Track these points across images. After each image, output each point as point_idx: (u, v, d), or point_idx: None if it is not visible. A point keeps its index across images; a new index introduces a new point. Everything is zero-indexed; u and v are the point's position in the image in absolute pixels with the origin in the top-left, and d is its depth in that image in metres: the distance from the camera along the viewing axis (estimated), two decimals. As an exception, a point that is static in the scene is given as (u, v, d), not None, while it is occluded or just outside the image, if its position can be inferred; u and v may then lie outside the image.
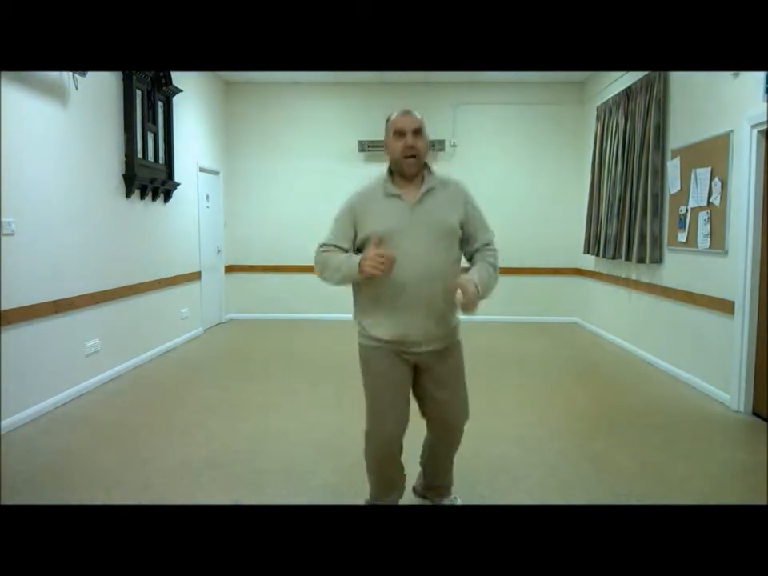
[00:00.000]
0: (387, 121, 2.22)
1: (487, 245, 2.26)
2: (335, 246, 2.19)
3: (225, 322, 7.51)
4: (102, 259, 4.59)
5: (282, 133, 7.61)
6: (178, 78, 5.86)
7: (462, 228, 2.20)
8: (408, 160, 2.13)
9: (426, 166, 2.22)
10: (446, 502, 2.52)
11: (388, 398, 2.21)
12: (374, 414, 2.24)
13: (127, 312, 5.00)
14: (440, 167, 2.35)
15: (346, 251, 2.18)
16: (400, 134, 2.13)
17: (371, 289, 2.15)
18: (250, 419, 3.80)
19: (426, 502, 2.57)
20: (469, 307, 2.02)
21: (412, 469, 2.56)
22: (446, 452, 2.43)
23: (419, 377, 2.27)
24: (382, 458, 2.29)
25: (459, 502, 2.54)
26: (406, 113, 2.17)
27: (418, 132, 2.15)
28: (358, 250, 2.21)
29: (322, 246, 2.21)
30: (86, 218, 4.38)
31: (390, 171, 2.22)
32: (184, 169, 6.20)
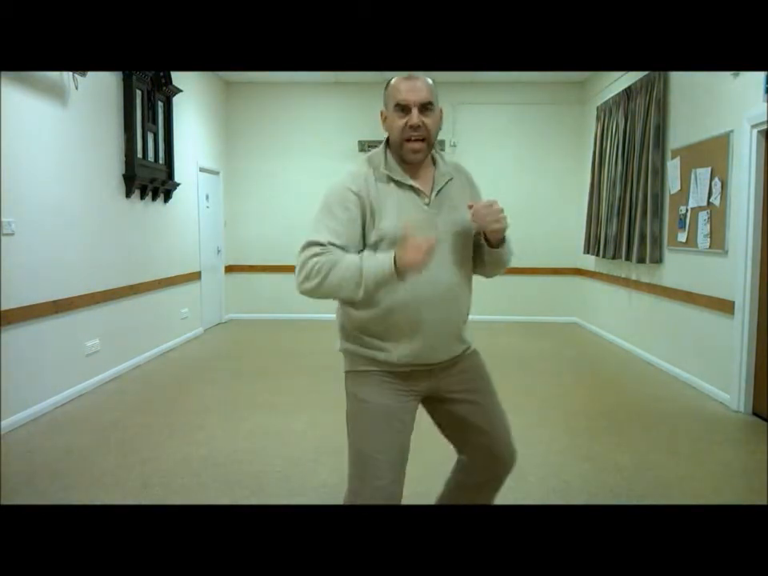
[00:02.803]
0: (386, 88, 1.66)
1: None
2: (338, 245, 1.57)
3: (225, 322, 7.51)
4: (101, 259, 4.59)
5: (281, 133, 7.61)
6: (178, 77, 5.86)
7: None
8: (412, 145, 1.60)
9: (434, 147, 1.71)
10: None
11: (384, 446, 1.63)
12: (369, 466, 1.62)
13: (127, 312, 5.00)
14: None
15: None
16: (403, 108, 1.59)
17: (378, 306, 1.62)
18: (250, 419, 3.80)
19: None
20: (489, 218, 1.57)
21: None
22: (486, 495, 1.86)
23: (441, 404, 1.76)
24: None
25: None
26: (411, 78, 1.61)
27: (428, 106, 1.60)
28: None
29: (312, 245, 1.57)
30: (86, 217, 4.38)
31: (387, 146, 1.69)
32: (184, 169, 6.20)
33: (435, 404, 1.77)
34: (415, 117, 1.58)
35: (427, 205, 1.65)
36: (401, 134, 1.61)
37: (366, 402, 1.67)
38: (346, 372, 1.76)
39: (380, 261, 1.52)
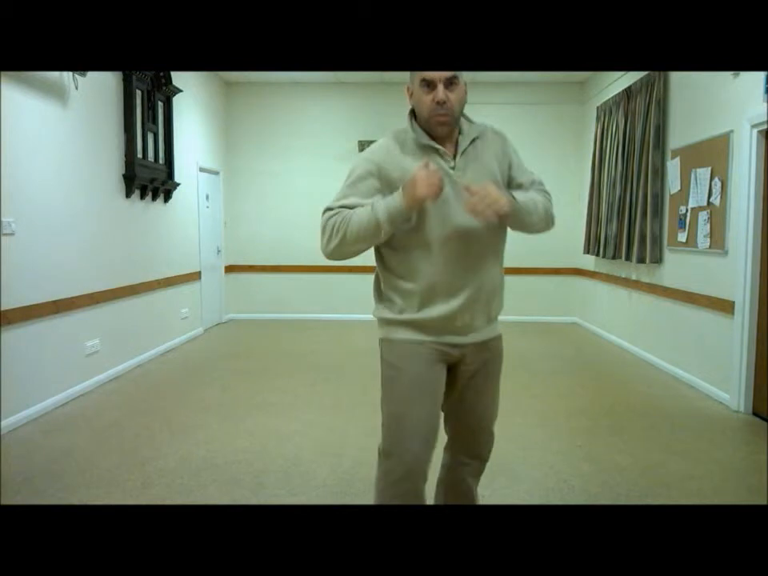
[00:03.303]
0: None
1: (537, 183, 1.86)
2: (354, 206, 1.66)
3: (225, 322, 7.51)
4: (101, 259, 4.60)
5: (282, 133, 7.61)
6: (178, 77, 5.87)
7: (509, 182, 1.80)
8: (439, 118, 1.65)
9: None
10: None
11: (422, 410, 1.71)
12: (399, 432, 1.70)
13: (127, 312, 5.00)
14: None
15: None
16: (428, 84, 1.62)
17: (407, 277, 1.70)
18: (250, 419, 3.80)
19: None
20: (482, 202, 1.55)
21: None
22: (471, 474, 1.96)
23: (455, 383, 1.82)
24: (405, 493, 1.71)
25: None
26: None
27: (453, 80, 1.62)
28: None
29: (327, 210, 1.69)
30: (86, 217, 4.38)
31: (413, 114, 1.75)
32: (184, 169, 6.20)
33: (450, 381, 1.81)
34: (441, 92, 1.61)
35: (452, 168, 1.69)
36: (427, 109, 1.65)
37: (401, 369, 1.73)
38: (382, 339, 1.80)
39: (389, 198, 1.61)
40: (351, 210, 1.64)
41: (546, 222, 1.81)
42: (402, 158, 1.68)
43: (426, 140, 1.69)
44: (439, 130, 1.67)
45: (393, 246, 1.72)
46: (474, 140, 1.73)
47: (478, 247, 1.71)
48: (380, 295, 1.80)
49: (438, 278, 1.69)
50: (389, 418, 1.75)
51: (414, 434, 1.69)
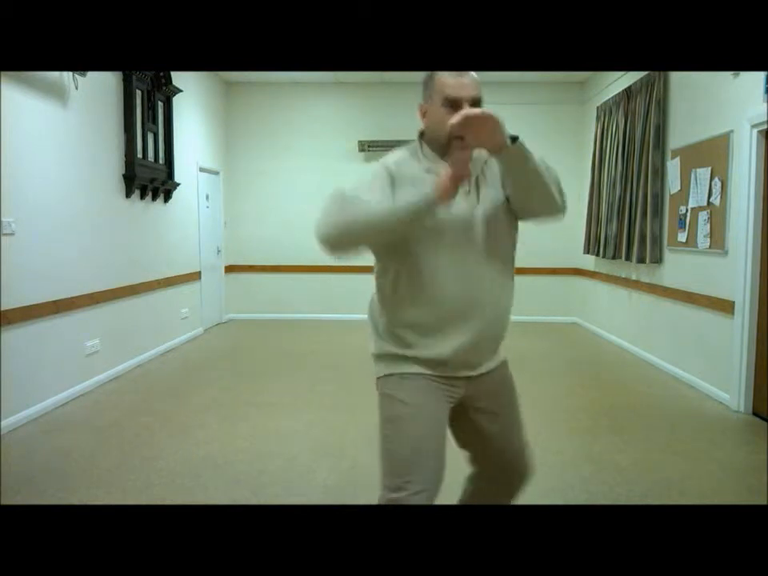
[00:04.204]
0: (429, 80, 1.57)
1: None
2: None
3: (225, 322, 7.51)
4: (102, 259, 4.60)
5: (282, 132, 7.61)
6: (178, 77, 5.87)
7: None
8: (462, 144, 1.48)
9: None
10: None
11: (438, 447, 1.57)
12: (412, 473, 1.53)
13: (127, 312, 5.00)
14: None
15: None
16: (452, 104, 1.49)
17: (417, 299, 1.57)
18: (250, 419, 3.80)
19: None
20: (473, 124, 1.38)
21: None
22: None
23: (464, 413, 1.71)
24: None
25: None
26: (461, 73, 1.52)
27: (478, 104, 1.52)
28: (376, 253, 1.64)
29: (334, 195, 1.53)
30: (86, 217, 4.38)
31: (421, 137, 1.63)
32: (184, 169, 6.20)
33: (460, 412, 1.69)
34: None
35: (467, 193, 1.56)
36: (449, 130, 1.47)
37: (410, 405, 1.58)
38: (384, 376, 1.64)
39: (412, 192, 1.45)
40: (360, 200, 1.48)
41: (556, 191, 1.58)
42: (414, 181, 1.54)
43: (434, 166, 1.56)
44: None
45: (399, 271, 1.58)
46: (485, 162, 1.61)
47: (490, 273, 1.59)
48: (383, 330, 1.65)
49: (449, 306, 1.56)
50: (394, 461, 1.56)
51: (427, 477, 1.54)
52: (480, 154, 1.58)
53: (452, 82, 1.50)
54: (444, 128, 1.47)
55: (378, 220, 1.45)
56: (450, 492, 1.84)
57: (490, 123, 1.39)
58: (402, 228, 1.47)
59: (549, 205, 1.60)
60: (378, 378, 1.67)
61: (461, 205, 1.54)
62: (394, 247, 1.56)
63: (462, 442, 1.77)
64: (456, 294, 1.56)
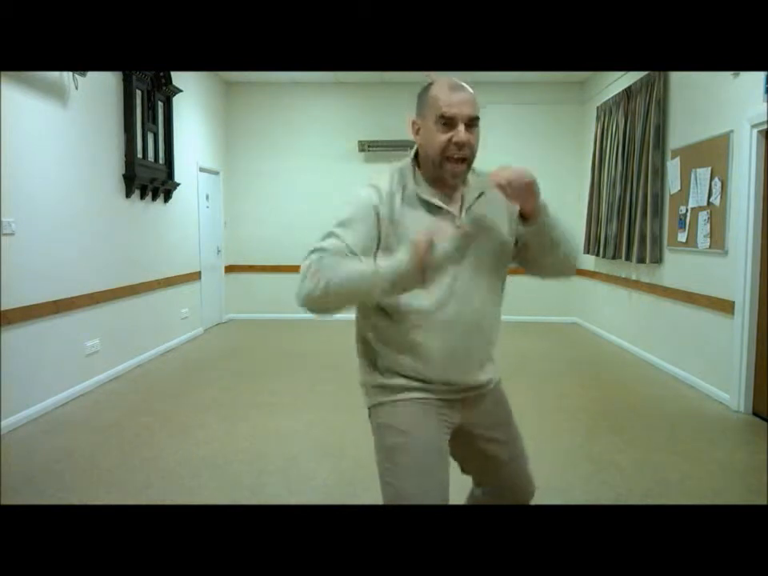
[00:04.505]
0: (423, 94, 1.49)
1: None
2: (350, 252, 1.40)
3: (225, 322, 7.51)
4: (102, 259, 4.60)
5: (282, 133, 7.61)
6: (178, 77, 5.87)
7: (516, 239, 1.56)
8: (453, 166, 1.44)
9: None
10: None
11: (441, 478, 1.49)
12: (409, 499, 1.46)
13: (127, 312, 5.00)
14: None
15: None
16: (447, 122, 1.42)
17: (404, 334, 1.49)
18: (250, 419, 3.80)
19: None
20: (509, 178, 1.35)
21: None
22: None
23: (470, 442, 1.64)
24: None
25: None
26: (459, 88, 1.44)
27: (474, 121, 1.43)
28: None
29: (316, 251, 1.41)
30: (86, 217, 4.39)
31: (416, 159, 1.53)
32: (184, 169, 6.20)
33: (459, 438, 1.62)
34: (462, 134, 1.41)
35: (457, 227, 1.47)
36: (442, 150, 1.43)
37: (409, 434, 1.48)
38: (379, 403, 1.55)
39: (396, 259, 1.35)
40: (342, 259, 1.38)
41: (574, 251, 1.56)
42: (403, 210, 1.46)
43: (428, 196, 1.48)
44: (450, 180, 1.46)
45: (385, 311, 1.50)
46: (480, 195, 1.51)
47: (481, 306, 1.52)
48: (372, 363, 1.57)
49: (440, 343, 1.48)
50: (396, 496, 1.47)
51: (428, 497, 1.45)
52: (475, 182, 1.53)
53: (447, 99, 1.42)
54: (435, 147, 1.43)
55: (352, 291, 1.36)
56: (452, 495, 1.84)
57: (532, 187, 1.38)
58: (385, 291, 1.37)
59: (563, 271, 1.60)
60: (369, 408, 1.60)
61: (450, 240, 1.46)
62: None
63: (464, 466, 1.71)
64: (447, 332, 1.49)
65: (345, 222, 1.44)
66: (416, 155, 1.54)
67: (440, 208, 1.47)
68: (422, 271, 1.31)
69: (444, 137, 1.42)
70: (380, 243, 1.44)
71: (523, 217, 1.47)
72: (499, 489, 1.72)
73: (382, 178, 1.51)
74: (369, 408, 1.60)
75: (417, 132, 1.51)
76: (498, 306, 1.60)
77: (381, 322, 1.52)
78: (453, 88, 1.43)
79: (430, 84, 1.48)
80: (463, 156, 1.43)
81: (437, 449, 1.50)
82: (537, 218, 1.45)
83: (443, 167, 1.44)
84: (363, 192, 1.48)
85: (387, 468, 1.50)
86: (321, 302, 1.39)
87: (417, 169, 1.52)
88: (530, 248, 1.54)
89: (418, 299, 1.45)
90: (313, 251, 1.42)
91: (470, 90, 1.46)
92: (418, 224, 1.43)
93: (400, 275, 1.32)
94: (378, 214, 1.44)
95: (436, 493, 1.46)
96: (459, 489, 1.89)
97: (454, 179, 1.47)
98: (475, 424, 1.60)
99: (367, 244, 1.42)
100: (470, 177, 1.54)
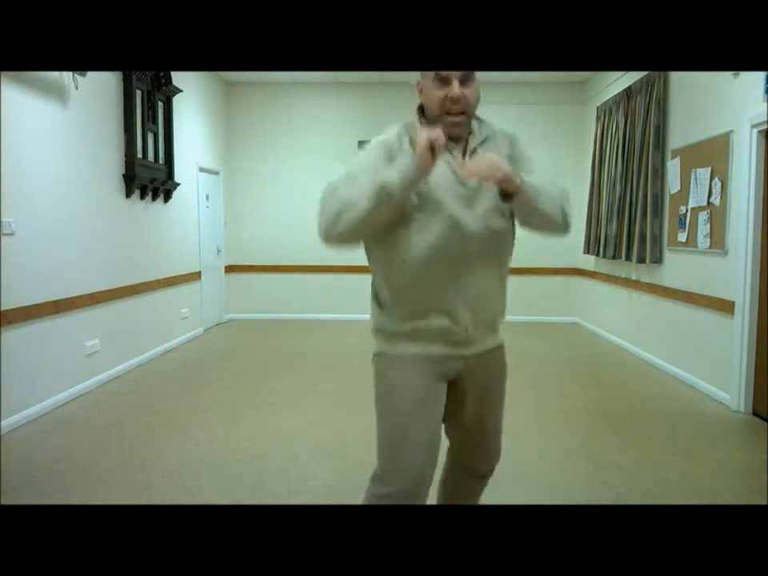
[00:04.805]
0: None
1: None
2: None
3: (225, 322, 7.51)
4: (102, 259, 4.60)
5: (281, 132, 7.61)
6: (178, 77, 5.87)
7: None
8: (452, 118, 1.54)
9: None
10: None
11: (425, 428, 1.61)
12: (397, 449, 1.59)
13: (127, 312, 5.00)
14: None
15: None
16: (443, 80, 1.52)
17: (411, 273, 1.58)
18: (250, 419, 3.80)
19: None
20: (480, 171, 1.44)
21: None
22: (469, 491, 1.93)
23: (453, 386, 1.73)
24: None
25: None
26: None
27: (468, 76, 1.53)
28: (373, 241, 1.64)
29: (331, 184, 1.58)
30: (86, 217, 4.38)
31: (421, 111, 1.64)
32: (184, 169, 6.20)
33: (452, 389, 1.72)
34: (456, 89, 1.51)
35: (460, 168, 1.56)
36: (440, 106, 1.54)
37: (403, 383, 1.61)
38: (381, 353, 1.68)
39: (402, 160, 1.46)
40: (351, 184, 1.51)
41: (559, 216, 1.63)
42: (410, 152, 1.52)
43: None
44: (452, 130, 1.55)
45: (389, 251, 1.61)
46: (483, 141, 1.62)
47: (480, 251, 1.59)
48: (379, 305, 1.69)
49: (438, 285, 1.58)
50: (387, 437, 1.62)
51: (416, 453, 1.58)
52: (480, 131, 1.63)
53: None
54: (434, 103, 1.55)
55: (367, 207, 1.46)
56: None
57: (502, 176, 1.46)
58: (394, 202, 1.47)
59: (550, 228, 1.66)
60: (373, 354, 1.72)
61: (451, 179, 1.56)
62: (385, 233, 1.58)
63: (448, 429, 1.80)
64: (444, 273, 1.58)
65: (355, 161, 1.60)
66: (423, 112, 1.64)
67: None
68: (430, 155, 1.40)
69: (440, 93, 1.53)
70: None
71: (503, 194, 1.54)
72: (465, 447, 1.83)
73: (390, 130, 1.65)
74: (373, 354, 1.72)
75: (420, 91, 1.63)
76: (505, 255, 1.69)
77: (387, 273, 1.62)
78: None
79: None
80: (459, 109, 1.54)
81: (427, 397, 1.62)
82: (515, 197, 1.52)
83: (443, 121, 1.55)
84: (373, 140, 1.64)
85: (380, 413, 1.66)
86: (339, 230, 1.50)
87: (423, 121, 1.62)
88: (516, 213, 1.65)
89: (422, 235, 1.55)
90: (326, 187, 1.56)
91: None
92: None
93: (406, 169, 1.43)
94: (387, 151, 1.57)
95: (425, 436, 1.60)
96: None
97: (454, 129, 1.56)
98: (469, 379, 1.69)
99: (378, 169, 1.50)
100: (476, 126, 1.64)
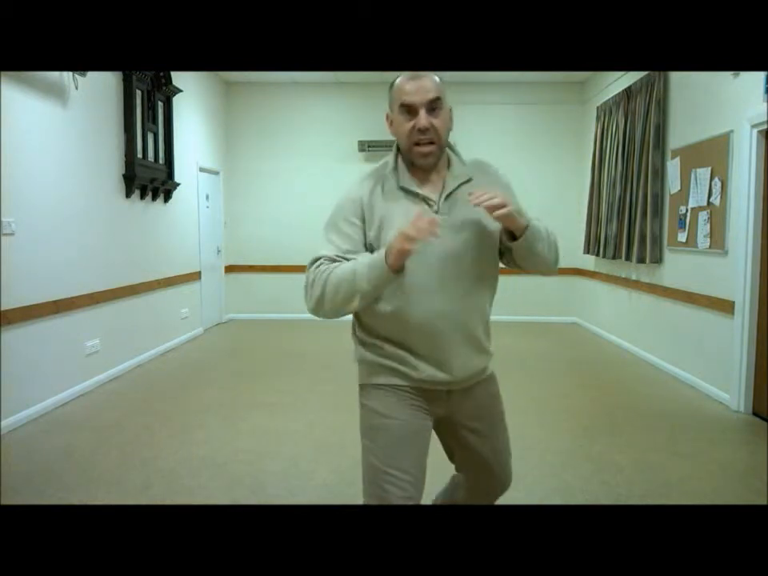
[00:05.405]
0: (390, 88, 1.56)
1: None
2: (342, 257, 1.51)
3: (225, 322, 7.51)
4: (101, 259, 4.60)
5: (282, 133, 7.61)
6: (178, 77, 5.87)
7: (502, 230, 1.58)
8: (421, 149, 1.50)
9: (449, 146, 1.59)
10: None
11: (412, 460, 1.56)
12: (391, 485, 1.53)
13: (127, 312, 5.00)
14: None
15: None
16: (409, 110, 1.49)
17: (388, 322, 1.55)
18: (250, 419, 3.80)
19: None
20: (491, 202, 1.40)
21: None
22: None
23: (455, 431, 1.70)
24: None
25: None
26: (416, 77, 1.49)
27: (436, 104, 1.49)
28: None
29: (315, 261, 1.52)
30: (86, 217, 4.39)
31: (399, 150, 1.59)
32: (184, 169, 6.20)
33: (446, 427, 1.71)
34: (423, 118, 1.47)
35: (436, 212, 1.52)
36: (408, 137, 1.50)
37: (388, 416, 1.57)
38: (363, 385, 1.65)
39: (372, 256, 1.45)
40: (333, 266, 1.48)
41: (554, 257, 1.61)
42: (385, 200, 1.53)
43: (406, 183, 1.54)
44: (421, 161, 1.51)
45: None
46: (462, 183, 1.56)
47: (464, 291, 1.55)
48: (359, 339, 1.65)
49: (423, 323, 1.52)
50: (373, 470, 1.57)
51: (406, 488, 1.52)
52: (461, 170, 1.59)
53: (408, 87, 1.49)
54: (403, 135, 1.52)
55: (342, 291, 1.45)
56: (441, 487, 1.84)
57: (507, 215, 1.43)
58: (370, 294, 1.46)
59: (542, 269, 1.63)
60: (359, 385, 1.68)
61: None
62: None
63: (449, 453, 1.80)
64: (430, 311, 1.53)
65: (332, 224, 1.56)
66: (398, 146, 1.60)
67: (418, 194, 1.53)
68: (400, 263, 1.40)
69: (408, 125, 1.50)
70: (367, 237, 1.53)
71: (507, 232, 1.53)
72: (475, 477, 1.78)
73: (362, 177, 1.61)
74: (359, 385, 1.68)
75: (391, 125, 1.59)
76: (485, 296, 1.62)
77: (367, 309, 1.56)
78: (411, 77, 1.50)
79: (395, 79, 1.56)
80: (428, 139, 1.49)
81: (412, 431, 1.58)
82: (518, 237, 1.51)
83: (412, 152, 1.52)
84: (345, 194, 1.59)
85: (366, 446, 1.61)
86: (323, 308, 1.50)
87: (398, 158, 1.58)
88: (513, 254, 1.60)
89: (399, 288, 1.50)
90: (310, 264, 1.53)
91: (433, 77, 1.52)
92: (398, 211, 1.51)
93: (376, 269, 1.41)
94: (361, 206, 1.53)
95: (411, 470, 1.54)
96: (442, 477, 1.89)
97: (424, 160, 1.52)
98: (459, 413, 1.66)
99: (355, 240, 1.52)
100: (456, 164, 1.60)
